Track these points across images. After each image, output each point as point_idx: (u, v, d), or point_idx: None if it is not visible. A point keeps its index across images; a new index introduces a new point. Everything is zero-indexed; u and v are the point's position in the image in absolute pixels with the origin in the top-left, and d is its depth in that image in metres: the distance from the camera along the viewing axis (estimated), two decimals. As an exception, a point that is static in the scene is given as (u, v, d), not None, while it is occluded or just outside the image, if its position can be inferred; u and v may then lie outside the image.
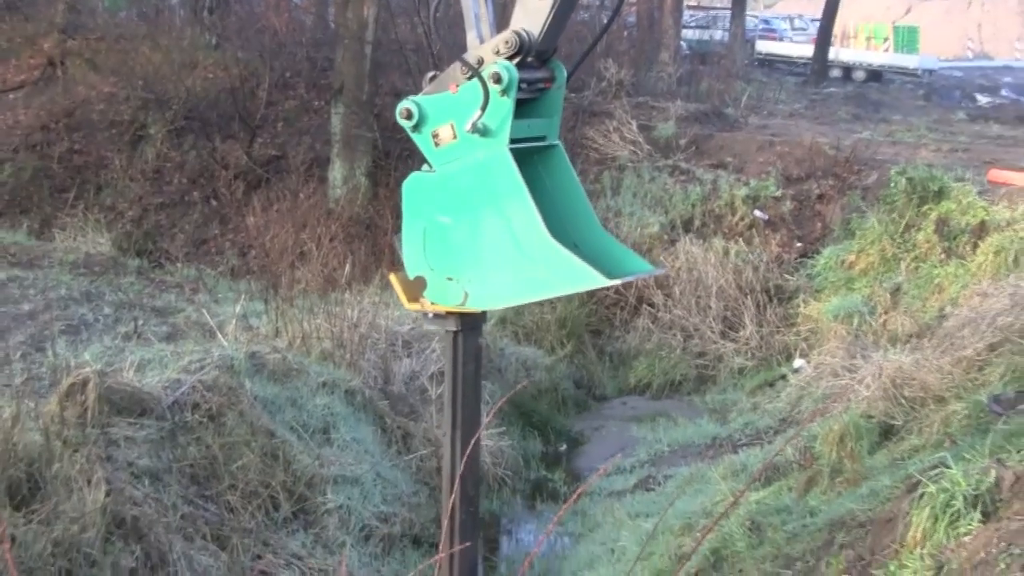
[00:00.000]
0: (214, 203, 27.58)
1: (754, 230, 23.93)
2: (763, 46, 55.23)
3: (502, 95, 7.57)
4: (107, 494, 11.67)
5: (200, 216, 27.38)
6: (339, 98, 27.14)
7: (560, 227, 7.90)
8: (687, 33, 48.79)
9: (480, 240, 7.76)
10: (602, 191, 25.66)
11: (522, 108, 7.81)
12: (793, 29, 63.74)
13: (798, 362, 19.95)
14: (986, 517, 8.79)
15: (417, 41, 27.90)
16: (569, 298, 21.99)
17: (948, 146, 29.53)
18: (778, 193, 24.75)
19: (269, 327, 17.61)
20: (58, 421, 12.13)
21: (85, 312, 19.72)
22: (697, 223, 24.30)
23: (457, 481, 8.24)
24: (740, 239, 23.60)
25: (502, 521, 15.76)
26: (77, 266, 23.06)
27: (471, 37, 7.96)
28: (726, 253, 22.93)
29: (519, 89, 7.63)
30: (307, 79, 30.77)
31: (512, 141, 7.69)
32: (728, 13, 51.58)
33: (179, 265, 25.05)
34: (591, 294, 22.84)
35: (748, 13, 54.51)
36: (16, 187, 28.36)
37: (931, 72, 53.18)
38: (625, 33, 39.27)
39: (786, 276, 22.95)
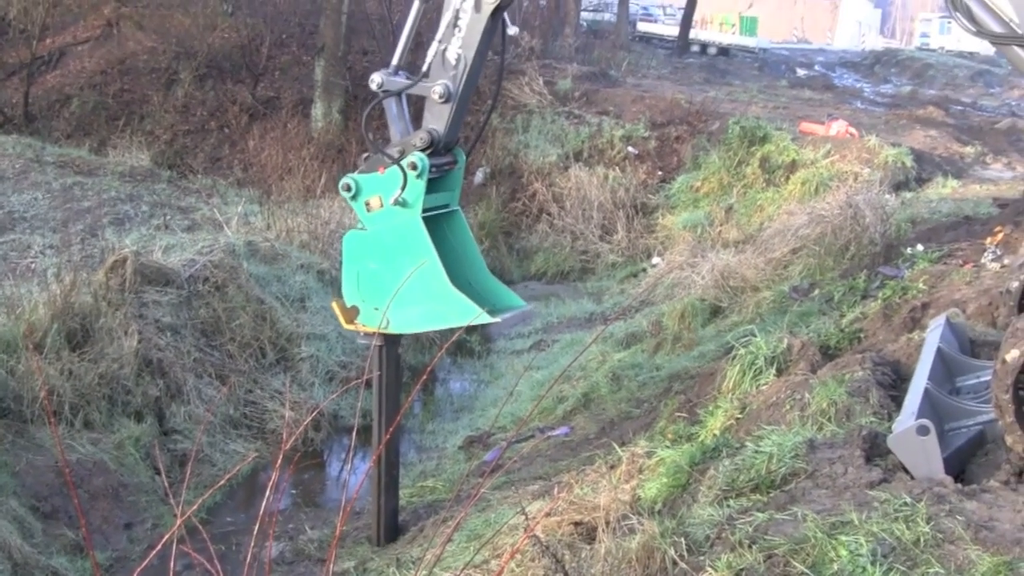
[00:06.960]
0: (226, 131, 27.37)
1: (627, 161, 23.90)
2: (642, 26, 54.50)
3: (417, 178, 7.98)
4: (139, 342, 11.82)
5: (215, 140, 27.17)
6: (321, 54, 26.83)
7: (458, 270, 8.43)
8: (585, 14, 48.40)
9: (399, 282, 8.01)
10: (515, 129, 25.49)
11: (432, 184, 8.18)
12: (665, 15, 63.66)
13: (655, 259, 20.09)
14: (779, 373, 9.02)
15: (381, 13, 27.82)
16: (488, 206, 22.15)
17: (772, 104, 29.72)
18: (646, 134, 24.71)
19: (262, 223, 17.64)
20: (104, 287, 12.26)
21: (128, 209, 19.72)
22: (585, 155, 24.17)
23: (383, 449, 8.92)
24: (616, 167, 23.56)
25: (434, 372, 15.81)
26: (124, 175, 22.91)
27: (393, 132, 8.33)
28: (606, 178, 22.89)
29: (430, 172, 8.01)
30: (298, 40, 30.35)
31: (424, 210, 8.11)
32: (617, 0, 51.13)
33: (199, 176, 24.86)
34: (505, 204, 22.96)
35: (632, 1, 54.02)
36: (81, 116, 28.29)
37: (765, 51, 52.92)
38: (537, 11, 38.95)
39: (649, 196, 22.99)
